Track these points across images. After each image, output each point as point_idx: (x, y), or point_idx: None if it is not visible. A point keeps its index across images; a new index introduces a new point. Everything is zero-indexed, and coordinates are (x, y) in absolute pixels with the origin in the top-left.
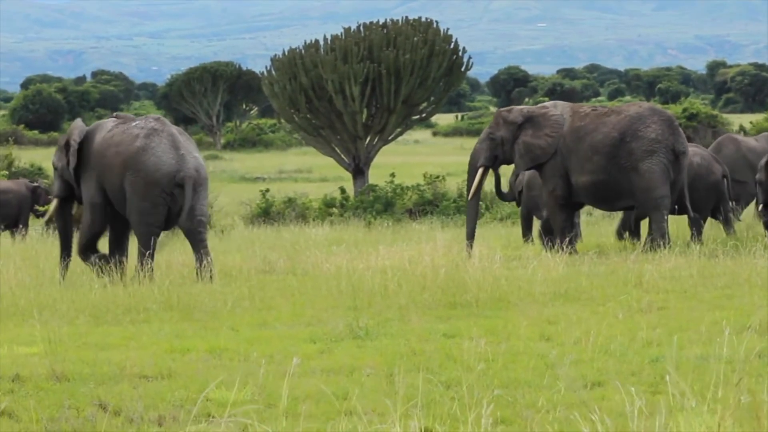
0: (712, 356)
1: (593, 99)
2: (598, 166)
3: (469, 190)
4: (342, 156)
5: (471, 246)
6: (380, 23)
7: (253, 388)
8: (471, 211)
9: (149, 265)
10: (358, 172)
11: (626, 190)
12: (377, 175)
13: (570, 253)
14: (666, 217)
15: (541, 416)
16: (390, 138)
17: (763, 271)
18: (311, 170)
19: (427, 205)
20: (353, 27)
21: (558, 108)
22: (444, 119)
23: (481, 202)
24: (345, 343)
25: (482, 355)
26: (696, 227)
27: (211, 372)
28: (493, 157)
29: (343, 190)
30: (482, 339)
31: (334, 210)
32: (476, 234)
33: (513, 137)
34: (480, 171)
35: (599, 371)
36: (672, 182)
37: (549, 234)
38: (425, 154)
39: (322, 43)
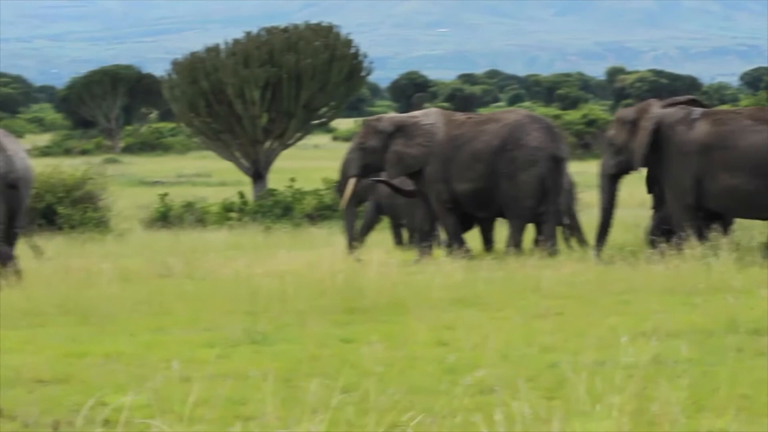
0: (609, 362)
1: (493, 105)
2: (479, 173)
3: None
4: (241, 160)
5: (353, 253)
6: (281, 28)
7: (150, 393)
8: (348, 220)
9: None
10: (258, 176)
11: (498, 196)
12: (277, 179)
13: (465, 257)
14: (524, 228)
15: (439, 421)
16: (290, 143)
17: (659, 277)
18: (210, 174)
19: (327, 210)
20: (254, 31)
21: (430, 117)
22: (344, 124)
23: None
24: (242, 348)
25: (380, 360)
26: (577, 233)
27: (108, 376)
28: (364, 166)
29: (242, 195)
30: (380, 344)
31: (233, 214)
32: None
33: (384, 146)
34: (352, 181)
35: (497, 376)
36: (550, 188)
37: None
38: (325, 159)
39: (222, 47)
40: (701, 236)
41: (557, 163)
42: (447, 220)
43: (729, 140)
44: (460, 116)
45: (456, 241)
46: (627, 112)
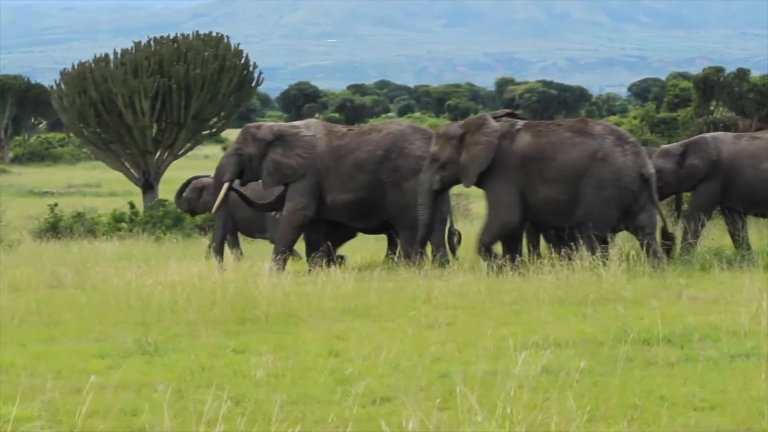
0: (500, 372)
1: (383, 115)
2: (362, 183)
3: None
4: (131, 170)
5: (221, 259)
6: (171, 38)
7: (40, 404)
8: (219, 224)
9: None
10: (148, 186)
11: (383, 206)
12: (167, 189)
13: (279, 269)
14: (415, 238)
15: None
16: (180, 153)
17: (550, 287)
18: (100, 185)
19: None
20: (143, 41)
21: (311, 129)
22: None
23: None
24: (134, 358)
25: (271, 370)
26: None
27: None
28: (239, 172)
29: (132, 205)
30: (271, 354)
31: (124, 225)
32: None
33: (261, 154)
34: (225, 186)
35: (389, 387)
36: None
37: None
38: (215, 169)
39: (112, 57)
40: (534, 248)
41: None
42: (292, 234)
43: (548, 152)
44: (341, 128)
45: (283, 254)
46: (452, 128)
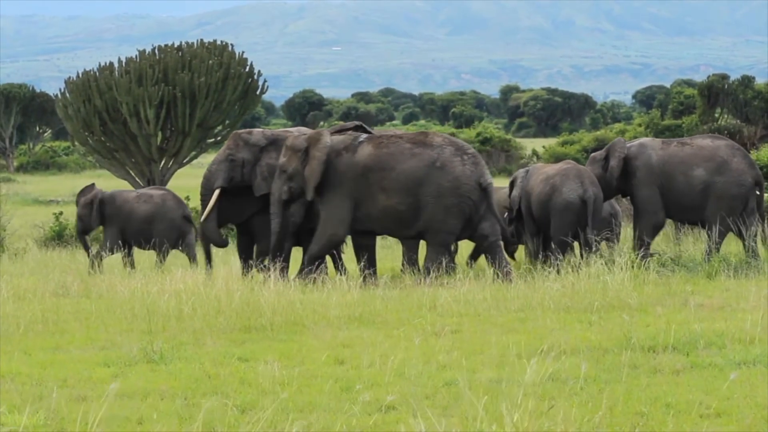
0: (506, 379)
1: (388, 123)
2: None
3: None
4: (136, 179)
5: (210, 267)
6: (175, 46)
7: (47, 413)
8: (209, 234)
9: None
10: None
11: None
12: None
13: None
14: (418, 246)
15: None
16: (185, 161)
17: (555, 294)
18: None
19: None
20: (148, 50)
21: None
22: None
23: None
24: (139, 366)
25: (277, 378)
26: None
27: (3, 396)
28: (230, 178)
29: None
30: (277, 362)
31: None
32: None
33: (255, 159)
34: (217, 192)
35: (394, 394)
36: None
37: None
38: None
39: (116, 65)
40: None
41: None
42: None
43: (387, 163)
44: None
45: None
46: (299, 140)
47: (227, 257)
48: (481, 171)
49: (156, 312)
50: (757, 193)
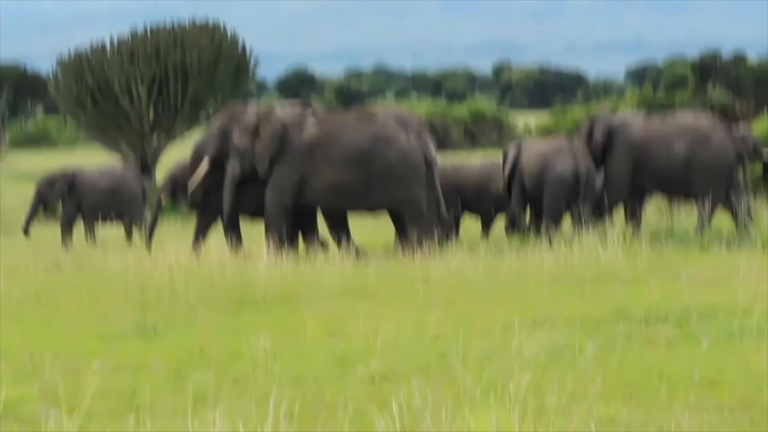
0: (499, 351)
1: (380, 99)
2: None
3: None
4: (129, 154)
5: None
6: (167, 25)
7: (40, 386)
8: (194, 201)
9: None
10: (145, 170)
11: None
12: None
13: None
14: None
15: (330, 411)
16: (177, 137)
17: (548, 267)
18: None
19: None
20: (140, 28)
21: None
22: None
23: None
24: (132, 340)
25: (269, 351)
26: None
27: None
28: (222, 150)
29: None
30: (270, 335)
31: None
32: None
33: None
34: (206, 161)
35: (387, 366)
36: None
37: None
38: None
39: (108, 44)
40: (292, 240)
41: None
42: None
43: (333, 138)
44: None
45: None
46: (250, 117)
47: (220, 232)
48: (426, 144)
49: (149, 286)
50: (741, 166)
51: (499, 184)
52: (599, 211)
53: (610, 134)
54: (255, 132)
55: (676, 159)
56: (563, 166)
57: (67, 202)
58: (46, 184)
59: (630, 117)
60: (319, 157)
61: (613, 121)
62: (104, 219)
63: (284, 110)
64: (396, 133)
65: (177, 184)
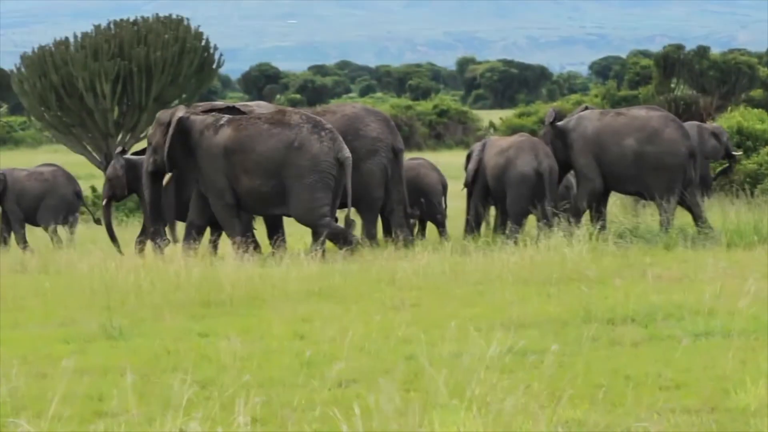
0: (466, 353)
1: (345, 96)
2: None
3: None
4: (93, 154)
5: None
6: (131, 20)
7: (7, 390)
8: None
9: None
10: None
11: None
12: None
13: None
14: (377, 219)
15: (297, 415)
16: (142, 136)
17: (514, 267)
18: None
19: None
20: (104, 24)
21: (262, 108)
22: None
23: None
24: (99, 343)
25: (237, 354)
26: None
27: None
28: None
29: (94, 189)
30: (237, 338)
31: (84, 209)
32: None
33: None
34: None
35: (354, 369)
36: (391, 179)
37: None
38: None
39: (72, 40)
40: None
41: (396, 154)
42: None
43: (247, 145)
44: (290, 110)
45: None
46: (165, 114)
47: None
48: (339, 146)
49: (115, 288)
50: (693, 163)
51: (424, 181)
52: (575, 210)
53: (566, 133)
54: (166, 128)
55: (627, 155)
56: (525, 163)
57: (5, 202)
58: None
59: (586, 114)
60: (237, 164)
61: (570, 120)
62: (30, 221)
63: (204, 114)
64: (309, 138)
65: (113, 185)
